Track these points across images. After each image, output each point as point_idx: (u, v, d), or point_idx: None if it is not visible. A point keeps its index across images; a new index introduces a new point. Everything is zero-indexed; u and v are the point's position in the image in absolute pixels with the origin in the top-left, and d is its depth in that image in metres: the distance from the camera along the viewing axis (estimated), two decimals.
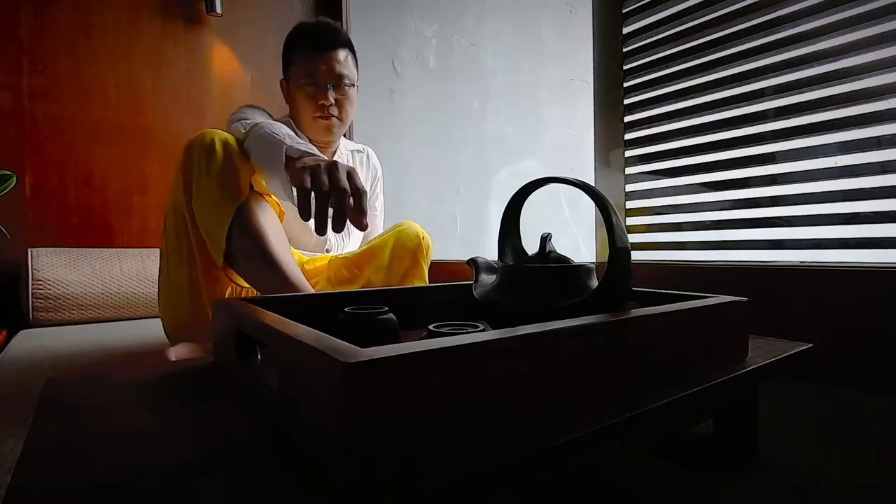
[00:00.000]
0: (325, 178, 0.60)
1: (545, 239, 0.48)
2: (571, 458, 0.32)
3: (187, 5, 1.74)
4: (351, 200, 0.60)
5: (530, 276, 0.44)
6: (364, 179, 1.24)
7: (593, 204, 0.46)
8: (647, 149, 1.11)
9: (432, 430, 0.26)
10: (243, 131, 0.84)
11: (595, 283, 0.45)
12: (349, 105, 1.09)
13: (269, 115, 1.02)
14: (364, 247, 1.08)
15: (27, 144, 1.52)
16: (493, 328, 0.34)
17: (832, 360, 0.76)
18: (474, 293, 0.48)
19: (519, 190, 0.50)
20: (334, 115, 1.07)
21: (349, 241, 1.19)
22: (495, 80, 2.12)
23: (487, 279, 0.49)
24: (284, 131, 0.80)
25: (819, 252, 0.86)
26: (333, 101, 1.05)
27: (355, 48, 1.11)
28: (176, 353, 0.79)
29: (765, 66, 0.91)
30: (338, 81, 1.05)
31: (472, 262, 0.53)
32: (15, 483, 0.25)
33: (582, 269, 0.45)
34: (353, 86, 1.09)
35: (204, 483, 0.25)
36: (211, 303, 0.68)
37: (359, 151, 1.27)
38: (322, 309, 0.54)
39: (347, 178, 0.62)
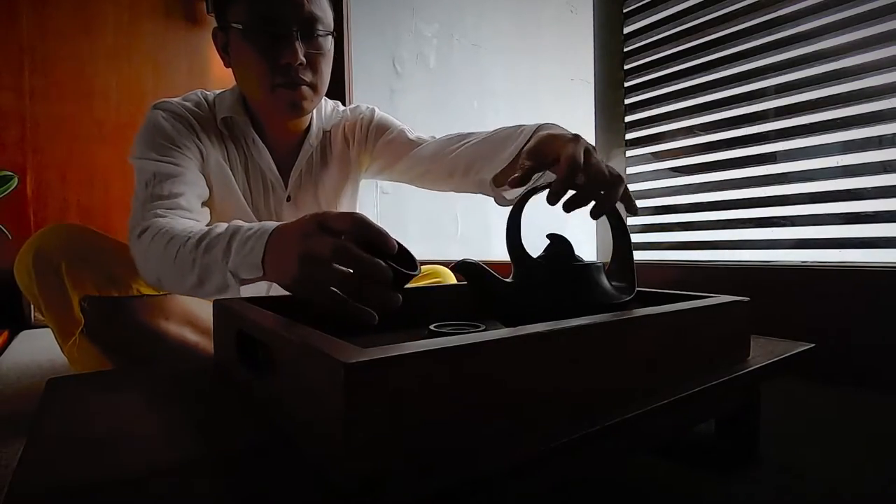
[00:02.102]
0: (337, 268, 0.39)
1: (557, 239, 0.48)
2: (572, 458, 0.32)
3: (188, 5, 1.74)
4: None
5: (558, 273, 0.45)
6: (359, 139, 0.92)
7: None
8: (648, 148, 1.10)
9: (433, 430, 0.26)
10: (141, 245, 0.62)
11: (604, 279, 0.46)
12: (325, 65, 0.75)
13: (185, 108, 0.77)
14: None
15: (29, 145, 1.52)
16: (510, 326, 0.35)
17: (833, 360, 0.76)
18: (486, 292, 0.47)
19: (527, 192, 0.49)
20: (306, 81, 0.73)
21: None
22: (495, 80, 2.12)
23: (498, 281, 0.48)
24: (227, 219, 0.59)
25: (821, 252, 0.86)
26: (304, 60, 0.70)
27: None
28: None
29: (765, 65, 0.91)
30: (308, 27, 0.71)
31: (464, 268, 0.48)
32: (16, 483, 0.25)
33: (595, 267, 0.46)
34: (329, 34, 0.74)
35: (204, 483, 0.25)
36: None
37: (344, 121, 0.90)
38: None
39: (372, 243, 0.41)
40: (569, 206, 0.45)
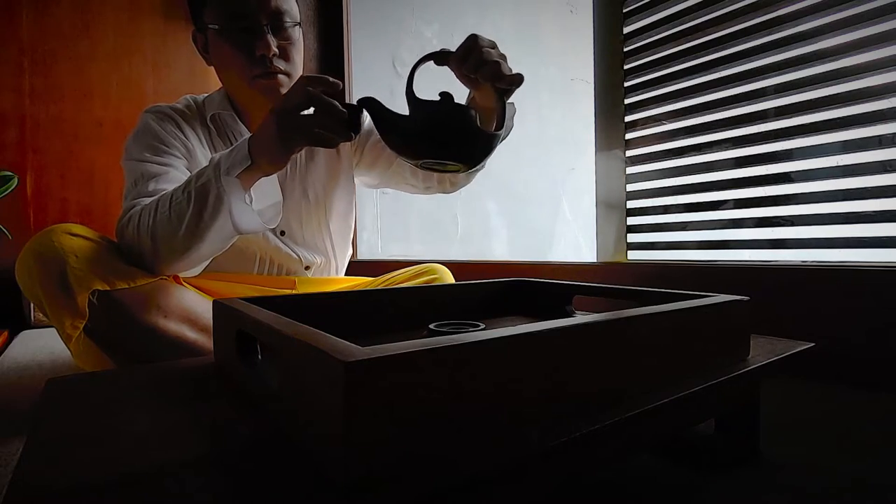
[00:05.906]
0: (307, 95, 0.57)
1: (444, 95, 0.58)
2: (571, 457, 0.32)
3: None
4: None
5: (442, 106, 0.57)
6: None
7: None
8: (648, 148, 1.10)
9: (432, 430, 0.26)
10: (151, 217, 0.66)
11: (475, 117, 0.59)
12: (296, 53, 0.81)
13: (171, 114, 0.82)
14: (380, 284, 0.91)
15: (29, 145, 1.52)
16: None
17: (833, 359, 0.76)
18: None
19: (422, 56, 0.63)
20: (280, 70, 0.78)
21: (333, 260, 0.96)
22: None
23: (396, 114, 0.60)
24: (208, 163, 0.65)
25: (820, 251, 0.86)
26: (276, 50, 0.76)
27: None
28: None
29: (765, 65, 0.91)
30: (277, 21, 0.77)
31: (365, 102, 0.59)
32: (15, 482, 0.25)
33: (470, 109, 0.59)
34: (297, 25, 0.80)
35: (204, 483, 0.25)
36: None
37: None
38: (323, 308, 0.54)
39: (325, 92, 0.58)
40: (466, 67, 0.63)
